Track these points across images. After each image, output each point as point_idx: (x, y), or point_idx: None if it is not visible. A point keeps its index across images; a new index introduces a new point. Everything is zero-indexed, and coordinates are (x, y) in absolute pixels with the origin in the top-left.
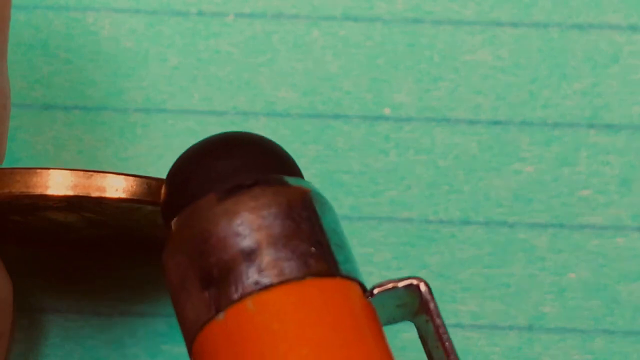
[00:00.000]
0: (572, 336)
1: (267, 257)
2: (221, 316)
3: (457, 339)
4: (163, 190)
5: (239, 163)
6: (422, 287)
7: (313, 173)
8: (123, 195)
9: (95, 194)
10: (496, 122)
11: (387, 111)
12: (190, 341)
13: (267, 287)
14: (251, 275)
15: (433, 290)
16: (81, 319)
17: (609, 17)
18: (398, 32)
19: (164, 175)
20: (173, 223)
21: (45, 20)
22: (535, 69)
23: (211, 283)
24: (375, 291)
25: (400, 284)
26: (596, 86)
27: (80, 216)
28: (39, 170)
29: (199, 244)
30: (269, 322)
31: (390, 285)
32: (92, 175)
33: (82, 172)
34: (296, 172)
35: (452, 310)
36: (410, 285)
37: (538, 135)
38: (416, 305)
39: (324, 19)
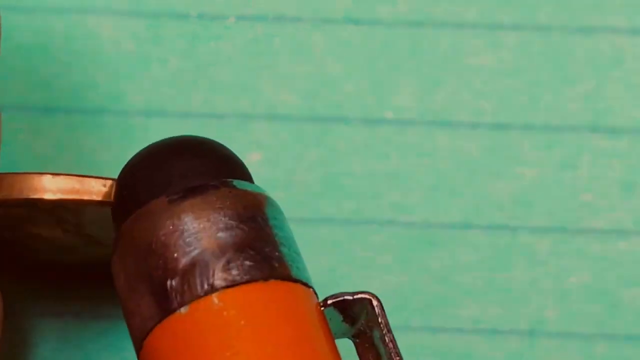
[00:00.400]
0: (574, 341)
1: (233, 257)
2: (184, 310)
3: (458, 343)
4: (113, 193)
5: (191, 166)
6: (374, 302)
7: (314, 176)
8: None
9: (73, 197)
10: (498, 126)
11: (388, 114)
12: (142, 338)
13: (233, 285)
14: (218, 273)
15: (434, 294)
16: (81, 323)
17: (612, 20)
18: (400, 35)
19: None
20: (124, 224)
21: (46, 23)
22: (538, 73)
23: (165, 281)
24: (329, 302)
25: (354, 297)
26: (598, 90)
27: (64, 230)
28: (31, 175)
29: (149, 245)
30: (236, 317)
31: (343, 298)
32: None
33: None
34: (247, 176)
35: (453, 315)
36: (363, 299)
37: (540, 139)
38: (361, 322)
39: (325, 22)
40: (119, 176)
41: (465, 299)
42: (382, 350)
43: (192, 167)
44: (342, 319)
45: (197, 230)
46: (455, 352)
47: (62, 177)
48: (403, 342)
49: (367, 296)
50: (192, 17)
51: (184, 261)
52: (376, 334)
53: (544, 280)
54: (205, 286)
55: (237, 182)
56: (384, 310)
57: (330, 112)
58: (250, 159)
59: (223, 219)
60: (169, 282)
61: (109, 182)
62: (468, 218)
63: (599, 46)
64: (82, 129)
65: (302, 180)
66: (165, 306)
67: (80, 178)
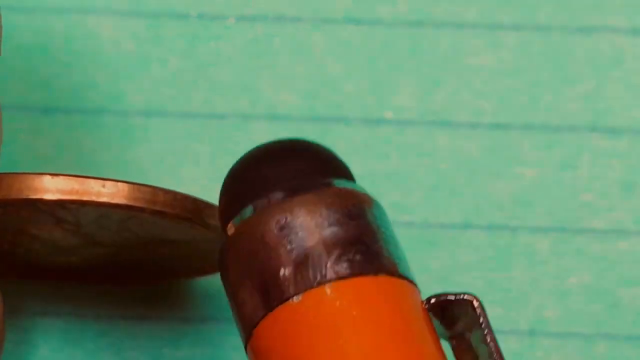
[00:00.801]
0: (574, 341)
1: (344, 250)
2: (297, 299)
3: None
4: (220, 195)
5: (301, 165)
6: (476, 303)
7: None
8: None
9: (78, 197)
10: (498, 126)
11: (388, 114)
12: (252, 326)
13: (345, 277)
14: (330, 265)
15: (432, 293)
16: (81, 323)
17: (612, 20)
18: (400, 35)
19: (164, 179)
20: (231, 225)
21: (46, 22)
22: (537, 73)
23: (278, 271)
24: (432, 300)
25: (456, 297)
26: (598, 90)
27: (63, 230)
28: (30, 175)
29: (262, 237)
30: (348, 308)
31: (447, 297)
32: (79, 180)
33: (66, 177)
34: (352, 177)
35: None
36: (465, 300)
37: (540, 139)
38: (460, 323)
39: (325, 22)
40: (227, 177)
41: None
42: (482, 351)
43: (301, 167)
44: (440, 319)
45: (310, 224)
46: None
47: (61, 177)
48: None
49: (469, 297)
50: (192, 17)
51: (297, 253)
52: (476, 335)
53: (544, 280)
54: (318, 277)
55: (344, 182)
56: (485, 311)
57: (330, 112)
58: None
59: (334, 214)
60: (282, 272)
61: (109, 183)
62: (468, 218)
63: (599, 46)
64: (82, 129)
65: None
66: (278, 295)
67: (80, 179)
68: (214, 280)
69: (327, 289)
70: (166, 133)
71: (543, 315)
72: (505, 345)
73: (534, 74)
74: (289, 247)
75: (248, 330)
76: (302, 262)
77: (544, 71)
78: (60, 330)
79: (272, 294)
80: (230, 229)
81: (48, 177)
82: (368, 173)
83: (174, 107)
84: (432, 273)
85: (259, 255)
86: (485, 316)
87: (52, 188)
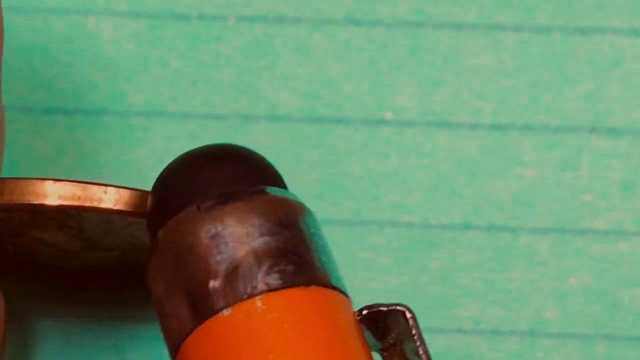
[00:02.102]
0: (574, 341)
1: (275, 261)
2: (226, 312)
3: (458, 344)
4: (149, 202)
5: (230, 172)
6: (408, 315)
7: (314, 177)
8: (103, 206)
9: (79, 204)
10: (498, 126)
11: (388, 115)
12: (180, 341)
13: (276, 289)
14: (261, 277)
15: (434, 295)
16: (82, 324)
17: (612, 21)
18: (400, 35)
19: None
20: (159, 233)
21: (46, 23)
22: (537, 73)
23: (207, 283)
24: (365, 312)
25: (389, 308)
26: (598, 90)
27: (66, 234)
28: (32, 181)
29: (190, 248)
30: (279, 320)
31: (379, 308)
32: (83, 186)
33: (70, 183)
34: (283, 184)
35: (453, 316)
36: (397, 311)
37: (540, 140)
38: (392, 335)
39: (325, 23)
40: (156, 184)
41: (465, 299)
42: None
43: (231, 174)
44: (373, 331)
45: (241, 234)
46: (455, 353)
47: (63, 183)
48: None
49: (401, 308)
50: (193, 18)
51: (227, 264)
52: (408, 346)
53: (543, 280)
54: (249, 289)
55: (276, 190)
56: (417, 322)
57: (330, 113)
58: None
59: (266, 224)
60: (211, 284)
61: (111, 189)
62: (468, 219)
63: (599, 47)
64: (83, 130)
65: (302, 181)
66: (207, 308)
67: (82, 184)
68: None
69: (258, 301)
70: (166, 133)
71: (543, 316)
72: (505, 345)
73: (534, 74)
74: (219, 257)
75: (176, 344)
76: (232, 273)
77: (544, 72)
78: (61, 332)
79: (200, 307)
80: (158, 237)
81: (50, 182)
82: (368, 174)
83: (174, 107)
84: (432, 274)
85: (188, 265)
86: (417, 327)
87: (54, 194)
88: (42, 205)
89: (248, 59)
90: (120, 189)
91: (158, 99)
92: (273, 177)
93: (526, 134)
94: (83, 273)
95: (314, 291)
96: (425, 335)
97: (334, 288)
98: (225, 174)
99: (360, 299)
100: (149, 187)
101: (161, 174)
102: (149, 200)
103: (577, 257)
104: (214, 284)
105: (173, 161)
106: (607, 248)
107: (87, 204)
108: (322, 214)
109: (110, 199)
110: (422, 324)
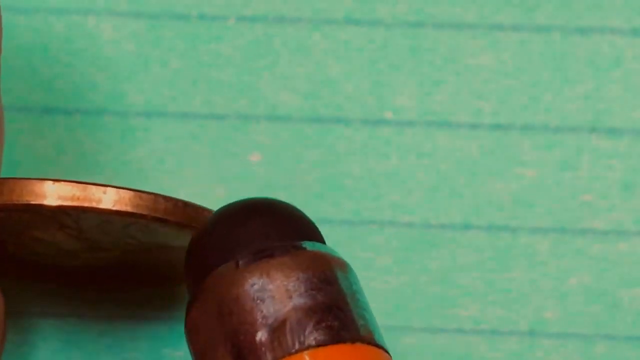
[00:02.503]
0: (574, 341)
1: (323, 316)
2: None
3: (458, 344)
4: (189, 252)
5: (275, 227)
6: None
7: (314, 177)
8: (106, 207)
9: (79, 204)
10: (498, 126)
11: (388, 115)
12: None
13: (324, 344)
14: (309, 331)
15: (434, 294)
16: (82, 323)
17: (611, 20)
18: (400, 35)
19: (165, 180)
20: (202, 284)
21: (46, 23)
22: (537, 73)
23: (254, 336)
24: None
25: None
26: (598, 90)
27: (66, 234)
28: (32, 181)
29: (236, 299)
30: None
31: None
32: (84, 187)
33: (70, 183)
34: (320, 238)
35: (453, 315)
36: None
37: (540, 140)
38: None
39: (325, 23)
40: (191, 241)
41: (465, 299)
42: None
43: (274, 227)
44: None
45: (288, 288)
46: (455, 353)
47: (62, 183)
48: (403, 342)
49: None
50: (193, 18)
51: (273, 318)
52: None
53: (543, 280)
54: (297, 344)
55: (318, 245)
56: None
57: (330, 113)
58: (250, 160)
59: (311, 279)
60: (258, 337)
61: (110, 190)
62: (468, 218)
63: (599, 47)
64: (83, 130)
65: (302, 181)
66: None
67: (81, 185)
68: None
69: (306, 356)
70: (166, 133)
71: (543, 316)
72: (505, 345)
73: (533, 74)
74: (265, 310)
75: None
76: (280, 327)
77: (544, 72)
78: (60, 331)
79: (246, 359)
80: (201, 287)
81: (49, 183)
82: (368, 173)
83: (174, 107)
84: (432, 274)
85: (233, 317)
86: None
87: (53, 194)
88: (41, 206)
89: (248, 59)
90: (120, 190)
91: (158, 99)
92: (312, 232)
93: (526, 134)
94: (83, 273)
95: (360, 348)
96: (425, 335)
97: (378, 346)
98: (266, 229)
99: None
100: (149, 187)
101: (205, 225)
102: (189, 249)
103: (577, 257)
104: (260, 337)
105: (215, 213)
106: (607, 248)
107: (86, 204)
108: (322, 213)
109: (109, 199)
110: (422, 323)
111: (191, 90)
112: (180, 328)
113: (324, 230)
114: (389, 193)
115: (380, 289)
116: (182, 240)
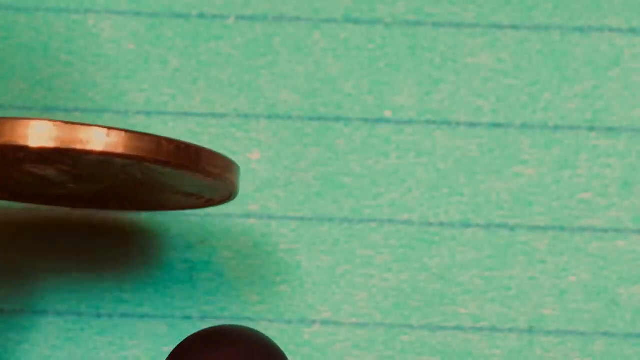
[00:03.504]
0: (572, 339)
1: None
2: None
3: (458, 341)
4: None
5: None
6: None
7: (313, 175)
8: (95, 148)
9: (68, 146)
10: (497, 125)
11: (387, 113)
12: None
13: None
14: None
15: (433, 292)
16: (81, 321)
17: (610, 19)
18: (399, 34)
19: None
20: None
21: (46, 22)
22: (536, 72)
23: None
24: None
25: None
26: (597, 89)
27: (58, 170)
28: (18, 120)
29: None
30: None
31: None
32: (72, 127)
33: (61, 123)
34: None
35: (452, 313)
36: None
37: (539, 138)
38: None
39: (324, 22)
40: (170, 358)
41: (465, 297)
42: None
43: (246, 359)
44: None
45: None
46: (455, 350)
47: (48, 123)
48: (403, 340)
49: None
50: (193, 17)
51: None
52: None
53: (542, 278)
54: None
55: None
56: None
57: (330, 112)
58: (250, 158)
59: None
60: None
61: (103, 131)
62: (467, 217)
63: (598, 46)
64: None
65: (301, 179)
66: None
67: (69, 125)
68: (215, 278)
69: None
70: (166, 132)
71: (542, 314)
72: (505, 343)
73: (532, 73)
74: None
75: None
76: None
77: (543, 71)
78: (60, 329)
79: None
80: None
81: (35, 122)
82: (367, 172)
83: (174, 106)
84: (431, 271)
85: None
86: None
87: (39, 135)
88: (25, 147)
89: (248, 57)
90: (122, 132)
91: (158, 97)
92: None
93: (525, 133)
94: (66, 200)
95: None
96: (425, 333)
97: None
98: (237, 358)
99: (360, 297)
100: None
101: (177, 349)
102: None
103: (575, 255)
104: None
105: (188, 338)
106: (605, 246)
107: (72, 146)
108: (321, 212)
109: (112, 142)
110: (421, 321)
111: (191, 89)
112: (180, 327)
113: (323, 228)
114: (389, 191)
115: (380, 286)
116: (181, 180)
